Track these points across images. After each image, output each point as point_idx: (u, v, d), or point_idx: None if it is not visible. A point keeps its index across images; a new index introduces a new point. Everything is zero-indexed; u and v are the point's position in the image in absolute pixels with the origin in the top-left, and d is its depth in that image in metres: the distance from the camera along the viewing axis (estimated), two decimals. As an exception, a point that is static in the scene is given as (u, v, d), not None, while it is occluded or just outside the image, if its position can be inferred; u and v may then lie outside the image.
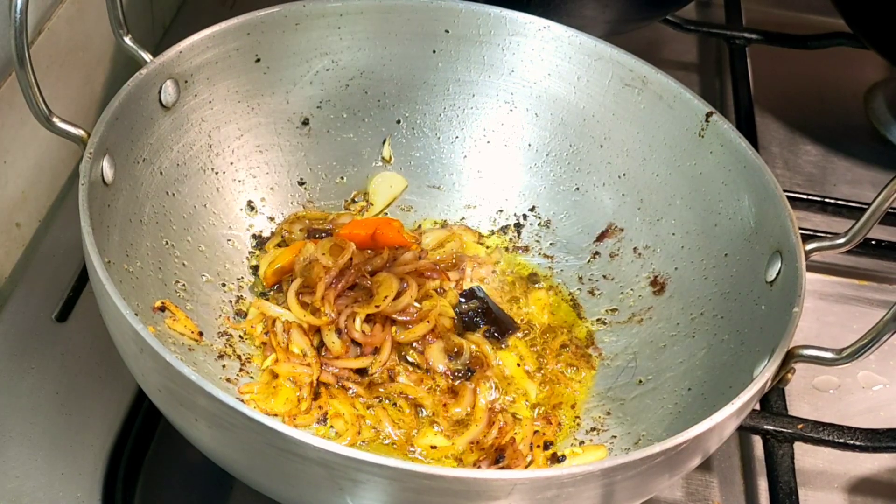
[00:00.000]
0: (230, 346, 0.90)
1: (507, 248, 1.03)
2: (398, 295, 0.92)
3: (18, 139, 0.97)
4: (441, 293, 0.96)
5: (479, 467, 0.83)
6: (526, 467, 0.84)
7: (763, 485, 0.91)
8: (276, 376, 0.88)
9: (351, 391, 0.88)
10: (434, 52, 1.02)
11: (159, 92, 0.88)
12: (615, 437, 0.87)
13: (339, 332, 0.90)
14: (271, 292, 0.95)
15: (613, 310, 0.97)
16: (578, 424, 0.89)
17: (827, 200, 1.16)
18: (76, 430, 0.87)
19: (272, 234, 0.99)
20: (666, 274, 0.96)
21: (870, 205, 0.81)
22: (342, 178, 1.04)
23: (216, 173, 0.96)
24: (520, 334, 0.95)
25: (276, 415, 0.85)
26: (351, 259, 0.94)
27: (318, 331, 0.91)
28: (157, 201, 0.90)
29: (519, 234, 1.04)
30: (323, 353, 0.90)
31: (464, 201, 1.05)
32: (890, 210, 0.82)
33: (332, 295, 0.91)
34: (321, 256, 0.93)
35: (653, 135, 0.98)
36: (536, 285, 1.00)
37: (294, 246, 0.96)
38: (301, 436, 0.63)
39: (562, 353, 0.94)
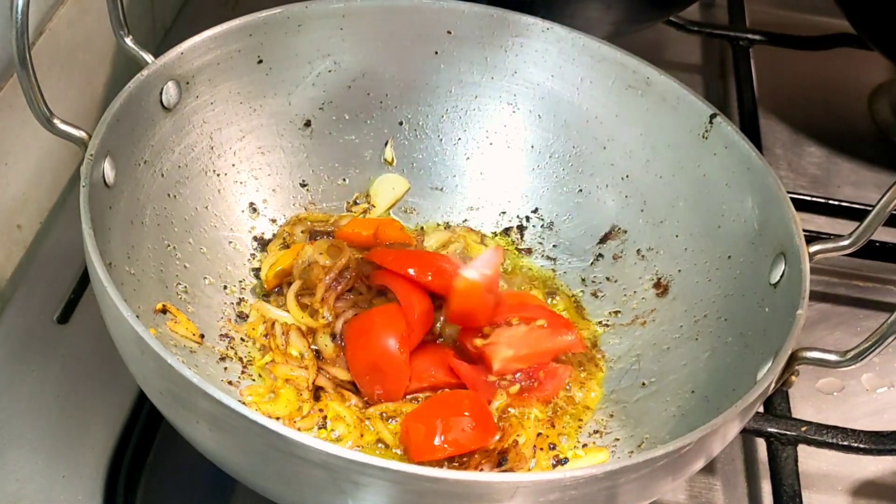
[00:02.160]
0: (232, 348, 0.89)
1: (509, 250, 1.03)
2: None
3: (19, 141, 0.96)
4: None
5: (481, 470, 0.83)
6: (529, 470, 0.84)
7: (766, 487, 0.91)
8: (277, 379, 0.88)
9: (349, 403, 0.87)
10: (436, 53, 1.02)
11: (161, 93, 0.88)
12: (618, 439, 0.87)
13: (333, 336, 0.90)
14: (273, 295, 0.95)
15: (617, 312, 0.97)
16: (581, 427, 0.89)
17: (831, 202, 1.16)
18: (77, 432, 0.87)
19: (274, 236, 0.99)
20: (669, 276, 0.95)
21: (874, 207, 0.81)
22: (344, 179, 1.04)
23: (218, 175, 0.96)
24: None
25: (277, 417, 0.85)
26: (349, 261, 0.94)
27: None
28: (158, 203, 0.89)
29: (522, 235, 1.03)
30: (321, 358, 0.90)
31: (466, 203, 1.05)
32: (894, 212, 0.81)
33: (331, 297, 0.91)
34: (319, 257, 0.93)
35: (656, 136, 0.97)
36: (535, 285, 1.00)
37: (295, 248, 0.96)
38: (303, 438, 0.63)
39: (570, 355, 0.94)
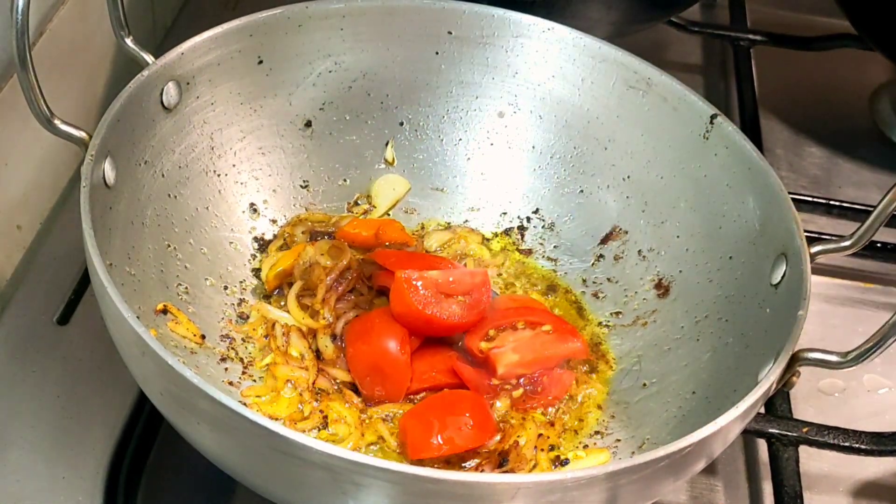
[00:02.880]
0: (232, 349, 0.89)
1: (510, 251, 1.03)
2: None
3: (20, 141, 0.96)
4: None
5: (482, 471, 0.83)
6: (530, 471, 0.84)
7: (768, 488, 0.90)
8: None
9: (350, 404, 0.87)
10: (437, 53, 1.02)
11: (161, 94, 0.88)
12: (619, 440, 0.87)
13: (334, 337, 0.90)
14: (274, 295, 0.95)
15: (618, 313, 0.97)
16: (582, 428, 0.89)
17: (832, 203, 1.16)
18: (78, 433, 0.87)
19: (274, 236, 0.98)
20: (670, 277, 0.95)
21: (875, 207, 0.81)
22: (345, 180, 1.04)
23: (218, 175, 0.96)
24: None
25: (278, 418, 0.85)
26: (350, 262, 0.93)
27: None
28: (158, 204, 0.89)
29: (523, 236, 1.03)
30: (321, 358, 0.90)
31: (467, 204, 1.05)
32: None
33: (332, 298, 0.91)
34: (320, 258, 0.93)
35: (657, 137, 0.97)
36: (536, 287, 1.00)
37: (295, 249, 0.96)
38: (304, 439, 0.63)
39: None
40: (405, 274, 0.87)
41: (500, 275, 1.00)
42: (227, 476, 0.75)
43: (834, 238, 0.84)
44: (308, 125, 1.01)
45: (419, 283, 0.87)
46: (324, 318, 0.90)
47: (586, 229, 1.02)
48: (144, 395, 0.80)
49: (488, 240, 1.03)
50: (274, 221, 0.99)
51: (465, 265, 0.99)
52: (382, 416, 0.86)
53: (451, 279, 0.88)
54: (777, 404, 0.94)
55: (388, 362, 0.86)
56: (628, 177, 0.99)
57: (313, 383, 0.87)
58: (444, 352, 0.90)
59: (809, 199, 1.16)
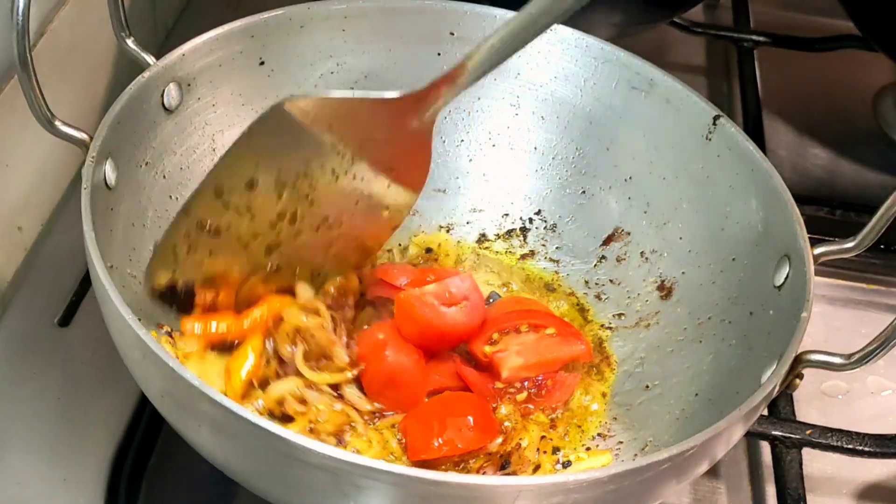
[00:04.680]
0: (234, 350, 0.89)
1: (512, 253, 1.02)
2: None
3: (20, 143, 0.96)
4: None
5: (484, 473, 0.83)
6: (534, 472, 0.83)
7: (771, 491, 0.90)
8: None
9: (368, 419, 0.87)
10: (439, 54, 1.02)
11: (162, 95, 0.88)
12: (622, 442, 0.87)
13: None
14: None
15: (620, 314, 0.97)
16: (584, 430, 0.89)
17: (835, 204, 1.16)
18: (78, 435, 0.87)
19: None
20: (673, 278, 0.95)
21: (879, 208, 0.80)
22: (347, 181, 1.03)
23: (220, 177, 0.96)
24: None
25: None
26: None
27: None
28: (160, 205, 0.89)
29: (525, 238, 1.03)
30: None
31: (469, 205, 1.05)
32: (899, 214, 0.81)
33: (342, 350, 0.87)
34: (301, 321, 0.86)
35: (660, 138, 0.97)
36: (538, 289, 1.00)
37: (253, 342, 0.86)
38: (306, 442, 0.63)
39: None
40: (407, 294, 0.87)
41: (503, 281, 1.00)
42: (229, 478, 0.75)
43: (837, 240, 0.84)
44: (310, 126, 1.01)
45: (423, 301, 0.86)
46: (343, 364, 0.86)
47: (588, 230, 1.01)
48: (146, 397, 0.79)
49: (490, 241, 1.03)
50: (275, 223, 0.99)
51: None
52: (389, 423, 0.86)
53: (446, 289, 0.88)
54: (780, 406, 0.94)
55: (404, 375, 0.86)
56: (630, 178, 0.99)
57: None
58: (448, 356, 0.89)
59: (812, 200, 1.16)
